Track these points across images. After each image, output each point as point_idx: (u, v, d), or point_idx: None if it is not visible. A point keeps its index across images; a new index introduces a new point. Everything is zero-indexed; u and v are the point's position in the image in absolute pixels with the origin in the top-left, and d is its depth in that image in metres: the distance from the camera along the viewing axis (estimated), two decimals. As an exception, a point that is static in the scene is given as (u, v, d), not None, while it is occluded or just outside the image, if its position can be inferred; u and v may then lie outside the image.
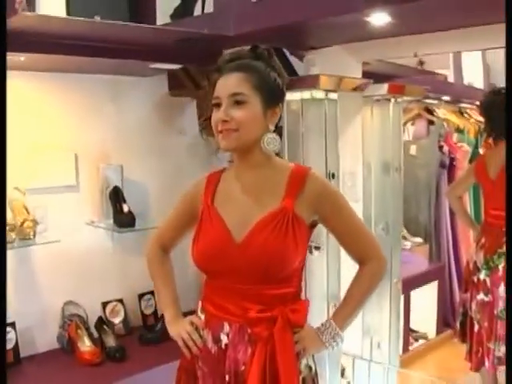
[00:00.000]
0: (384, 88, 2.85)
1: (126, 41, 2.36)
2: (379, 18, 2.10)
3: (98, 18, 2.00)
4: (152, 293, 3.06)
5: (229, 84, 1.56)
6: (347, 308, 1.71)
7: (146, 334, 2.89)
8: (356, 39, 2.52)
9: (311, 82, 2.53)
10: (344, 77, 2.60)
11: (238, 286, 1.59)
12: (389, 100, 2.90)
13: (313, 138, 2.59)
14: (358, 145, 2.98)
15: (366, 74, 2.96)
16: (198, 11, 2.46)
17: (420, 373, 3.37)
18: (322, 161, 2.56)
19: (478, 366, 3.05)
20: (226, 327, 1.62)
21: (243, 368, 1.59)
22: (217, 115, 1.56)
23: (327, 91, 2.56)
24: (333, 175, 2.58)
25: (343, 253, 1.81)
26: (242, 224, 1.59)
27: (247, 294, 1.59)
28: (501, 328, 2.91)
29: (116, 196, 2.81)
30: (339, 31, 2.35)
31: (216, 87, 1.59)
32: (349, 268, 1.91)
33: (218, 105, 1.57)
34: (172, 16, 2.57)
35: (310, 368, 1.68)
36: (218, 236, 1.62)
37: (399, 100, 2.96)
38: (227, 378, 1.60)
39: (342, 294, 1.79)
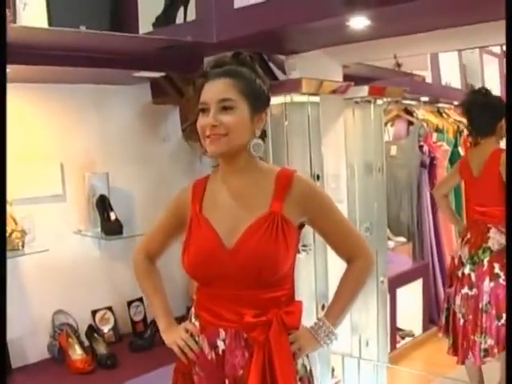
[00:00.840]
0: (365, 90, 2.90)
1: (109, 50, 2.37)
2: (359, 22, 2.12)
3: (83, 28, 2.01)
4: (141, 299, 3.05)
5: (216, 89, 1.55)
6: (338, 306, 1.72)
7: (136, 341, 2.89)
8: (336, 43, 2.54)
9: (293, 85, 2.55)
10: (326, 80, 2.63)
11: (231, 291, 1.59)
12: (370, 102, 2.95)
13: (297, 141, 2.62)
14: (341, 147, 3.01)
15: (346, 77, 3.00)
16: (180, 19, 2.47)
17: (409, 368, 3.41)
18: (306, 163, 2.59)
19: (463, 359, 3.07)
20: (222, 333, 1.62)
21: (241, 372, 1.59)
22: (205, 120, 1.55)
23: (309, 95, 2.59)
24: (317, 177, 2.62)
25: (330, 252, 1.83)
26: (231, 230, 1.59)
27: (241, 299, 1.59)
28: (486, 321, 2.95)
29: (103, 204, 2.81)
30: (319, 35, 2.37)
31: (202, 92, 1.58)
32: (335, 266, 1.93)
33: (205, 110, 1.56)
34: (154, 25, 2.58)
35: (306, 368, 1.70)
36: (208, 243, 1.61)
37: (380, 102, 3.01)
38: (227, 382, 1.61)
39: (331, 294, 1.81)
